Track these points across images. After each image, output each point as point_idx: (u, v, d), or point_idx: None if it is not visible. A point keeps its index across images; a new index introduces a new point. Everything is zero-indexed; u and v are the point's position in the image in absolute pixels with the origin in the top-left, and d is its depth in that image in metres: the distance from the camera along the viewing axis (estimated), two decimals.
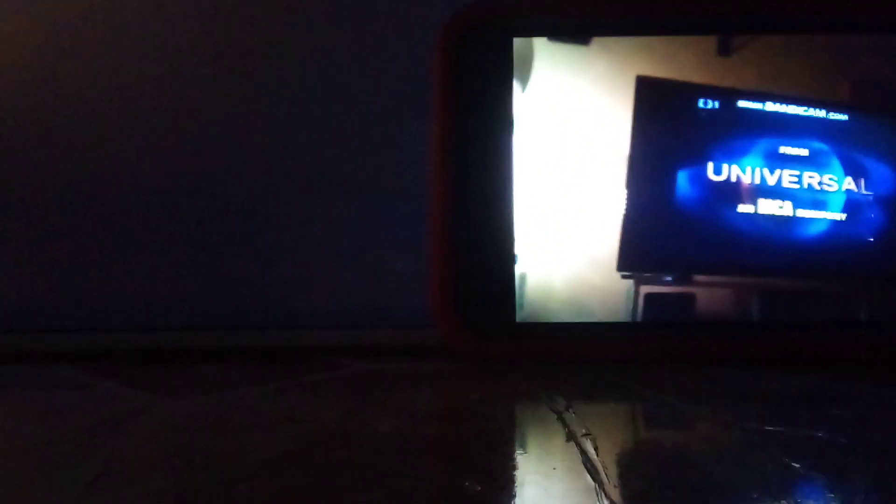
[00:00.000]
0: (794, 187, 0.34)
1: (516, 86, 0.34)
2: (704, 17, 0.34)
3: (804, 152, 0.34)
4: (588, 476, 0.20)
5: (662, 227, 0.34)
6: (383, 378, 0.31)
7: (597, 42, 0.34)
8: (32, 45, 0.36)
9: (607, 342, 0.33)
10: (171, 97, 0.36)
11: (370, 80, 0.37)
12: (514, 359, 0.33)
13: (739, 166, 0.34)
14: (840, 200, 0.34)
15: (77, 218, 0.36)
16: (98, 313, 0.36)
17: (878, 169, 0.34)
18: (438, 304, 0.33)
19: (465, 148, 0.33)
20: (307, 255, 0.37)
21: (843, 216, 0.34)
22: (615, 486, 0.19)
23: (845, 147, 0.34)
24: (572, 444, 0.22)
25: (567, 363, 0.33)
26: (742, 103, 0.34)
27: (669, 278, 0.34)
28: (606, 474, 0.20)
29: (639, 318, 0.33)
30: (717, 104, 0.34)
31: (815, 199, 0.34)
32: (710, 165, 0.34)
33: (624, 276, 0.33)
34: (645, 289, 0.33)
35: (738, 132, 0.34)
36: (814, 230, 0.34)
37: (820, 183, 0.34)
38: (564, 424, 0.24)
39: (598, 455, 0.21)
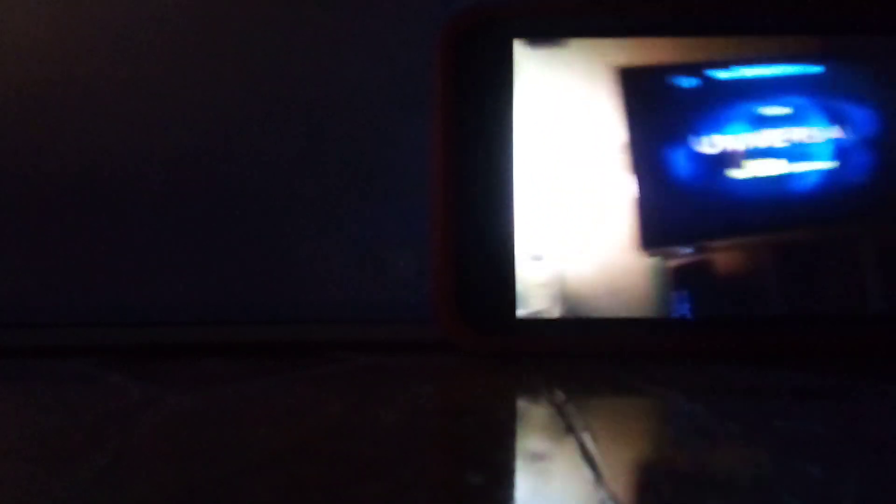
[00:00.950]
0: (783, 145, 0.35)
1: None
2: (708, 17, 0.35)
3: (787, 110, 0.35)
4: (587, 468, 0.20)
5: (674, 204, 0.34)
6: (386, 373, 0.32)
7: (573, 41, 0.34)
8: (33, 46, 0.37)
9: (607, 337, 0.34)
10: (172, 97, 0.37)
11: (372, 79, 0.37)
12: (515, 354, 0.34)
13: (728, 135, 0.34)
14: (829, 149, 0.35)
15: (84, 213, 0.37)
16: (107, 308, 0.36)
17: (860, 113, 0.35)
18: (440, 300, 0.33)
19: (466, 147, 0.34)
20: (312, 251, 0.37)
21: (835, 163, 0.34)
22: (613, 478, 0.20)
23: (825, 97, 0.34)
24: (572, 436, 0.23)
25: (567, 358, 0.33)
26: (720, 74, 0.35)
27: (690, 250, 0.34)
28: (605, 466, 0.20)
29: (671, 290, 0.34)
30: (694, 80, 0.34)
31: (806, 152, 0.35)
32: (702, 139, 0.34)
33: (651, 255, 0.34)
34: (671, 263, 0.34)
35: (719, 103, 0.35)
36: (811, 181, 0.35)
37: (808, 136, 0.34)
38: (564, 417, 0.25)
39: (596, 447, 0.22)
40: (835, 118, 0.35)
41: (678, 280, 0.34)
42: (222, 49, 0.37)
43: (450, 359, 0.33)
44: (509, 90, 0.34)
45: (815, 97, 0.35)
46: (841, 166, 0.35)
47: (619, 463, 0.21)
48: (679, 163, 0.35)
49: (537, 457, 0.22)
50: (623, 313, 0.34)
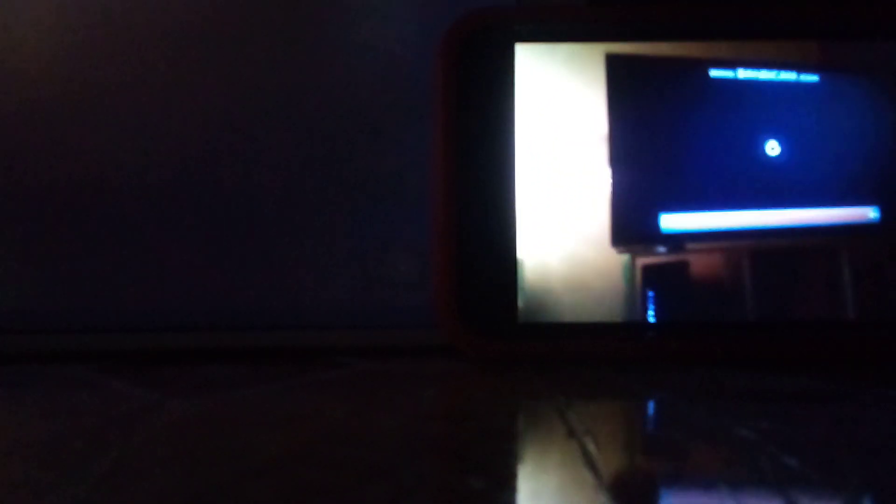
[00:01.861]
0: (773, 153, 0.35)
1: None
2: (708, 23, 0.35)
3: (777, 113, 0.35)
4: (588, 472, 0.20)
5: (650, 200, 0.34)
6: (387, 377, 0.32)
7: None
8: (34, 49, 0.37)
9: (609, 343, 0.34)
10: (173, 102, 0.37)
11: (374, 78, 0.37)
12: (517, 358, 0.34)
13: (712, 134, 0.34)
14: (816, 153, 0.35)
15: (84, 219, 0.37)
16: (108, 314, 0.36)
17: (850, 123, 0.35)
18: (441, 304, 0.33)
19: (468, 151, 0.34)
20: (314, 256, 0.37)
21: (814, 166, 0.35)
22: (614, 482, 0.20)
23: (820, 104, 0.35)
24: (573, 441, 0.23)
25: (569, 363, 0.33)
26: (713, 72, 0.35)
27: (663, 249, 0.34)
28: (606, 470, 0.20)
29: (637, 289, 0.34)
30: (687, 75, 0.35)
31: (793, 156, 0.35)
32: (688, 135, 0.35)
33: (620, 251, 0.34)
34: (641, 261, 0.34)
35: (708, 101, 0.35)
36: (793, 183, 0.35)
37: (791, 140, 0.35)
38: (565, 421, 0.25)
39: (598, 451, 0.22)
40: (824, 125, 0.35)
41: (643, 280, 0.34)
42: (225, 53, 0.37)
43: (451, 363, 0.34)
44: (511, 94, 0.34)
45: (810, 104, 0.35)
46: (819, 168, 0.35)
47: (621, 467, 0.21)
48: (662, 158, 0.34)
49: (539, 461, 0.22)
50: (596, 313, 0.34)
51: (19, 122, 0.37)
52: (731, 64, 0.35)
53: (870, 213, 0.34)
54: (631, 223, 0.34)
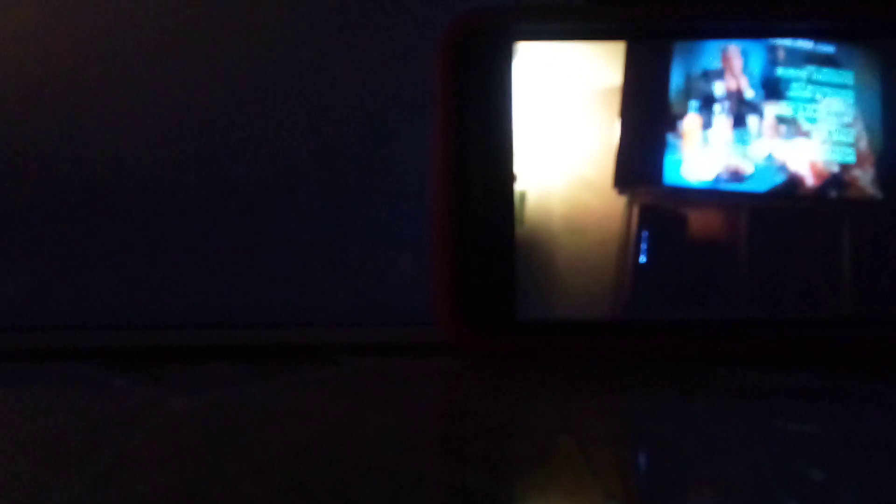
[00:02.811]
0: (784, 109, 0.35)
1: None
2: (708, 21, 0.35)
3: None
4: (587, 469, 0.20)
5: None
6: (386, 375, 0.32)
7: None
8: (36, 47, 0.37)
9: (609, 339, 0.34)
10: (174, 100, 0.37)
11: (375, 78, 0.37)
12: (516, 356, 0.34)
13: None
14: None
15: (85, 216, 0.37)
16: (108, 311, 0.37)
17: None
18: (440, 302, 0.34)
19: (467, 149, 0.34)
20: (312, 253, 0.37)
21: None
22: (613, 480, 0.20)
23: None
24: (572, 437, 0.23)
25: (568, 360, 0.33)
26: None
27: (663, 193, 0.34)
28: (605, 467, 0.20)
29: (633, 230, 0.34)
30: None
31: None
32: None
33: (621, 192, 0.34)
34: (639, 202, 0.34)
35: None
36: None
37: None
38: (564, 419, 0.25)
39: (597, 449, 0.22)
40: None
41: (640, 222, 0.34)
42: (225, 51, 0.37)
43: (450, 361, 0.34)
44: (509, 93, 0.34)
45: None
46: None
47: (620, 464, 0.22)
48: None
49: (538, 458, 0.22)
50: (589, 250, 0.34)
51: (20, 121, 0.37)
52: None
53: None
54: (634, 165, 0.34)
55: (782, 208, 0.35)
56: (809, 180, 0.35)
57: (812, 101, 0.35)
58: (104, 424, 0.25)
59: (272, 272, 0.37)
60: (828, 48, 0.35)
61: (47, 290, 0.37)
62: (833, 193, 0.35)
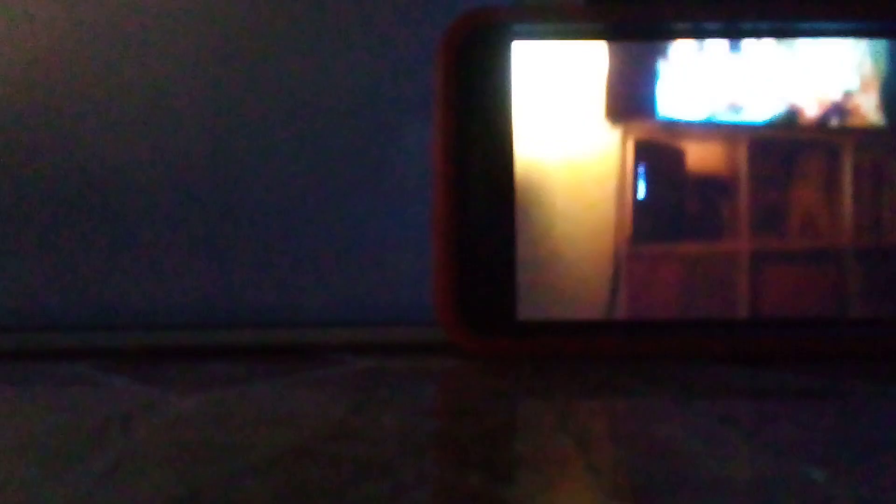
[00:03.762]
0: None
1: None
2: (708, 22, 0.35)
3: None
4: (587, 469, 0.20)
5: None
6: (387, 375, 0.32)
7: None
8: (34, 48, 0.37)
9: (609, 339, 0.34)
10: (173, 99, 0.37)
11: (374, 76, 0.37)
12: (516, 356, 0.34)
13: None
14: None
15: (85, 216, 0.37)
16: (108, 311, 0.37)
17: None
18: (441, 302, 0.34)
19: (468, 148, 0.34)
20: (313, 253, 0.37)
21: None
22: (613, 480, 0.20)
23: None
24: (572, 438, 0.23)
25: (568, 360, 0.33)
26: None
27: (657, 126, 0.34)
28: (605, 468, 0.20)
29: (629, 165, 0.34)
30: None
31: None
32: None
33: (613, 124, 0.34)
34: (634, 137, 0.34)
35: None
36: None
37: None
38: (564, 419, 0.25)
39: (597, 449, 0.22)
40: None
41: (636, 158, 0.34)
42: (223, 51, 0.37)
43: (451, 361, 0.34)
44: (509, 92, 0.34)
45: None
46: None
47: (619, 465, 0.22)
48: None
49: (538, 458, 0.22)
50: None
51: (20, 122, 0.37)
52: None
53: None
54: (625, 98, 0.34)
55: (782, 139, 0.34)
56: (811, 110, 0.34)
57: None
58: (104, 424, 0.25)
59: (272, 272, 0.37)
60: None
61: (47, 290, 0.37)
62: (835, 122, 0.34)
